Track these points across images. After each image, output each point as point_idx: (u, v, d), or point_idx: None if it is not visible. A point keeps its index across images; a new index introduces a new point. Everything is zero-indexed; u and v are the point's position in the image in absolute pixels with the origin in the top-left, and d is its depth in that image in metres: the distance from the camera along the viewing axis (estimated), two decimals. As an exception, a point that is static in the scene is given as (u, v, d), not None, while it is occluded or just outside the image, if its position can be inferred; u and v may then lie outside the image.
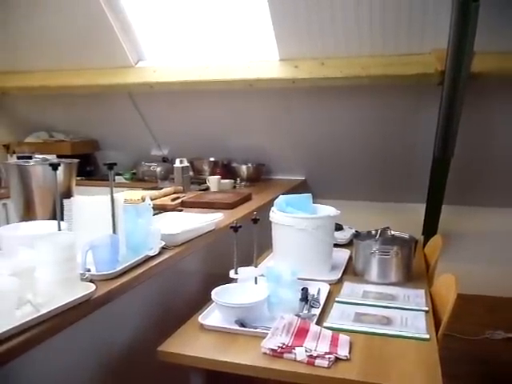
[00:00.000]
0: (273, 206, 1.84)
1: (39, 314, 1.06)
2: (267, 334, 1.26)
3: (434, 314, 1.46)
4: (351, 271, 1.82)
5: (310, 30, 2.62)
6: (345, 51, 2.68)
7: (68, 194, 1.79)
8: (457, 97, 2.43)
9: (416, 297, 1.57)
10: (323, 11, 2.50)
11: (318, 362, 1.15)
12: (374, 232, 1.93)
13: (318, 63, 2.75)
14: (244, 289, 1.49)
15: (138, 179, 3.51)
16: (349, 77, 2.67)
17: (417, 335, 1.29)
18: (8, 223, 1.90)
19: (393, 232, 1.93)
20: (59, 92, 3.39)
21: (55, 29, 3.07)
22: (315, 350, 1.18)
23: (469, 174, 3.04)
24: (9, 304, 1.02)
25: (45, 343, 1.06)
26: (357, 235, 1.95)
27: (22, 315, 1.05)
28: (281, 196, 1.87)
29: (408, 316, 1.41)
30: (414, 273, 1.78)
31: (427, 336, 1.29)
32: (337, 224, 2.00)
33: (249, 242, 1.58)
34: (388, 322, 1.38)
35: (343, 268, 1.82)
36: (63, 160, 1.94)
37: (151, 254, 1.53)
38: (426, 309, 1.47)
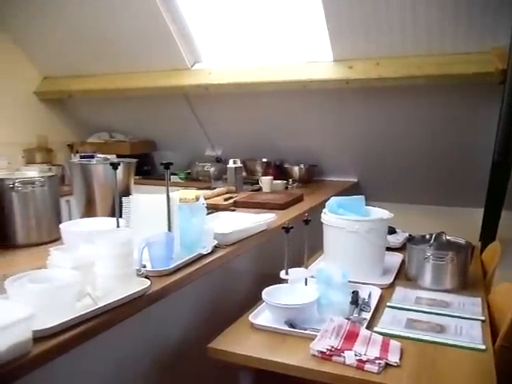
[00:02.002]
0: (324, 207, 1.83)
1: (97, 307, 1.10)
2: (316, 335, 1.26)
3: (491, 324, 1.40)
4: (404, 276, 1.79)
5: (365, 29, 2.59)
6: (400, 51, 2.62)
7: (126, 193, 1.86)
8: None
9: (472, 305, 1.52)
10: (378, 10, 2.46)
11: (367, 366, 1.14)
12: (428, 236, 1.88)
13: (373, 63, 2.70)
14: (294, 290, 1.50)
15: (193, 179, 3.59)
16: (404, 77, 2.61)
17: (472, 345, 1.25)
18: (70, 219, 2.00)
19: (448, 237, 1.87)
20: (119, 94, 3.52)
21: (114, 34, 3.21)
22: (365, 355, 1.17)
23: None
24: (70, 296, 1.07)
25: (101, 336, 1.11)
26: (410, 239, 1.91)
27: (82, 307, 1.09)
28: (333, 198, 1.86)
29: (463, 325, 1.37)
30: (470, 280, 1.72)
31: (483, 347, 1.24)
32: (390, 227, 1.96)
33: (300, 243, 1.58)
34: (441, 329, 1.34)
35: (395, 272, 1.79)
36: (123, 159, 2.02)
37: (204, 252, 1.56)
38: (483, 318, 1.42)
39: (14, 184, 1.69)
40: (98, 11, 3.09)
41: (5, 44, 3.54)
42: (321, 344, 1.21)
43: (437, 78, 2.55)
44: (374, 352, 1.19)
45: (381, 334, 1.30)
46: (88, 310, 1.08)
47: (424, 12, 2.39)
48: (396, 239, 2.12)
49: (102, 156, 2.14)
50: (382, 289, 1.62)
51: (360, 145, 3.24)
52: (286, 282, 1.56)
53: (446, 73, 2.51)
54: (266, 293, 1.43)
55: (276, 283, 1.51)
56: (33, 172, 2.00)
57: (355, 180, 3.48)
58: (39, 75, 3.83)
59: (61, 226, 1.54)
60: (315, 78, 2.85)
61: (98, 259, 1.20)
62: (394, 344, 1.23)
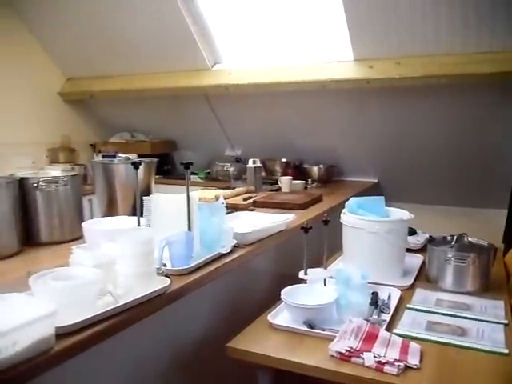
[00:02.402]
0: (344, 207, 1.82)
1: (118, 305, 1.12)
2: (335, 336, 1.25)
3: (515, 327, 1.38)
4: (424, 277, 1.76)
5: (386, 29, 2.56)
6: (422, 50, 2.59)
7: (147, 192, 1.88)
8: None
9: (494, 308, 1.49)
10: (400, 9, 2.44)
11: (386, 368, 1.13)
12: (449, 238, 1.86)
13: (394, 63, 2.68)
14: (313, 290, 1.49)
15: (212, 178, 3.61)
16: (426, 76, 2.58)
17: (494, 349, 1.23)
18: (92, 218, 2.03)
19: (470, 239, 1.84)
20: (140, 95, 3.57)
21: (136, 35, 3.25)
22: (384, 357, 1.16)
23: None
24: (92, 293, 1.09)
25: (121, 333, 1.12)
26: (431, 240, 1.88)
27: (103, 305, 1.11)
28: (352, 198, 1.85)
29: (485, 328, 1.35)
30: (493, 282, 1.69)
31: (506, 351, 1.22)
32: (410, 228, 1.94)
33: (319, 243, 1.58)
34: (462, 332, 1.33)
35: (415, 274, 1.77)
36: (144, 159, 2.04)
37: (223, 251, 1.57)
38: (506, 322, 1.39)
39: (38, 183, 1.73)
40: (119, 13, 3.14)
41: (31, 47, 3.61)
42: (340, 345, 1.21)
43: (459, 77, 2.51)
44: (393, 354, 1.18)
45: (400, 335, 1.29)
46: (109, 308, 1.10)
47: (446, 10, 2.36)
48: (416, 240, 2.10)
49: (124, 156, 2.17)
50: (401, 290, 1.60)
51: (380, 145, 3.21)
52: (305, 283, 1.56)
53: (469, 72, 2.48)
54: (285, 293, 1.44)
55: (295, 283, 1.51)
56: (56, 171, 2.05)
57: (375, 180, 3.46)
58: (63, 76, 3.90)
59: (83, 224, 1.57)
60: (335, 77, 2.84)
61: (120, 258, 1.21)
62: (414, 346, 1.22)
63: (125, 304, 1.13)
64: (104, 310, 1.08)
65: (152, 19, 3.09)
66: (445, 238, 1.87)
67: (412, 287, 1.66)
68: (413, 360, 1.16)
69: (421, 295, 1.60)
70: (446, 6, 2.35)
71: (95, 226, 1.58)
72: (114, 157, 2.29)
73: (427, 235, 2.13)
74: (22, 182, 1.73)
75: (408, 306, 1.51)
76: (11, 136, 3.43)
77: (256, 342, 1.29)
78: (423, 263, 1.87)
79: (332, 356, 1.20)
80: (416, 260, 1.91)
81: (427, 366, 1.15)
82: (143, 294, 1.18)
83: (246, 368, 1.29)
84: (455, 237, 1.84)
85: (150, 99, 3.67)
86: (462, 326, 1.36)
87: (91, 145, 4.03)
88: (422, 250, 2.03)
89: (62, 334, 0.99)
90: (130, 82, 3.54)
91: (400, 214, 1.81)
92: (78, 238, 1.74)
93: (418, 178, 3.25)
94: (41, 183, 1.73)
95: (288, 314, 1.42)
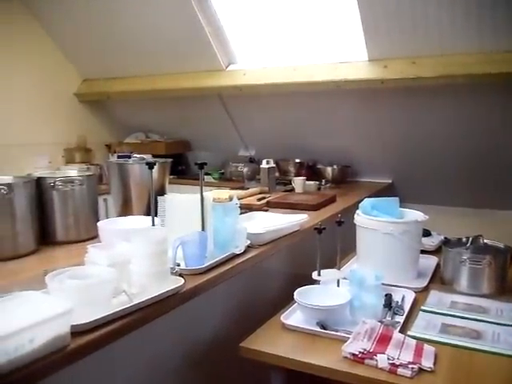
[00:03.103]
0: (357, 208, 1.82)
1: (133, 304, 1.13)
2: (348, 337, 1.25)
3: (531, 330, 1.36)
4: (439, 279, 1.75)
5: (401, 28, 2.54)
6: (437, 49, 2.55)
7: (162, 192, 1.90)
8: None
9: (510, 311, 1.47)
10: (415, 7, 2.41)
11: (400, 370, 1.12)
12: (464, 239, 1.84)
13: (409, 62, 2.65)
14: (326, 291, 1.49)
15: (226, 179, 3.62)
16: (442, 76, 2.55)
17: (510, 353, 1.21)
18: (107, 217, 2.06)
19: (485, 240, 1.82)
20: (154, 95, 3.59)
21: (150, 36, 3.27)
22: (398, 359, 1.16)
23: None
24: (107, 292, 1.10)
25: (135, 332, 1.13)
26: (446, 242, 1.86)
27: (118, 304, 1.12)
28: (366, 199, 1.84)
29: (500, 331, 1.33)
30: (509, 285, 1.66)
31: (522, 354, 1.21)
32: (425, 230, 1.93)
33: (332, 244, 1.58)
34: (478, 336, 1.31)
35: (430, 276, 1.75)
36: (158, 159, 2.06)
37: (237, 251, 1.58)
38: (522, 325, 1.38)
39: (54, 183, 1.75)
40: (134, 14, 3.16)
41: (48, 48, 3.66)
42: (353, 346, 1.21)
43: (477, 76, 2.47)
44: (407, 356, 1.17)
45: (414, 338, 1.28)
46: (124, 307, 1.11)
47: (463, 8, 2.33)
48: (431, 242, 2.08)
49: (139, 156, 2.18)
50: (415, 292, 1.59)
51: (395, 145, 3.18)
52: (318, 283, 1.56)
53: (487, 71, 2.44)
54: (298, 293, 1.44)
55: (308, 284, 1.51)
56: (72, 171, 2.07)
57: (389, 181, 3.43)
58: (79, 77, 3.95)
59: (98, 223, 1.59)
60: (349, 78, 2.82)
61: (134, 257, 1.22)
62: (428, 349, 1.21)
63: (139, 303, 1.14)
64: (118, 309, 1.09)
65: (167, 20, 3.10)
66: (460, 239, 1.86)
67: (426, 289, 1.65)
68: (427, 363, 1.15)
69: (435, 297, 1.59)
70: (462, 5, 2.32)
71: (110, 226, 1.60)
72: (129, 157, 2.30)
73: (442, 237, 2.11)
74: (39, 181, 1.75)
75: (422, 308, 1.49)
76: (29, 137, 3.48)
77: (269, 343, 1.29)
78: (438, 265, 1.85)
79: (345, 357, 1.19)
80: (430, 262, 1.90)
81: (441, 369, 1.14)
82: (157, 294, 1.19)
83: (259, 368, 1.29)
84: (471, 238, 1.82)
85: (164, 100, 3.69)
86: (477, 329, 1.34)
87: (106, 145, 4.08)
88: (436, 251, 2.01)
89: (77, 332, 1.00)
90: (146, 83, 3.56)
91: (414, 215, 1.80)
92: (94, 237, 1.76)
93: (433, 179, 3.22)
94: (57, 183, 1.76)
95: (301, 314, 1.42)
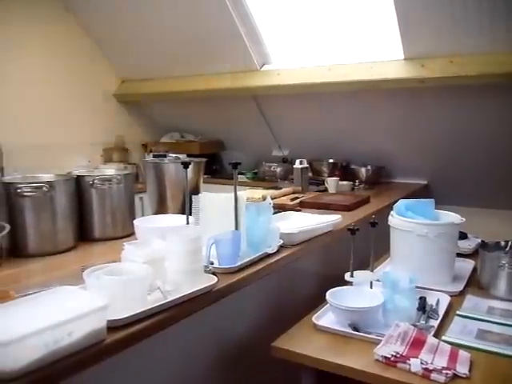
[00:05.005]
0: (392, 210, 1.79)
1: (167, 301, 1.15)
2: (381, 340, 1.24)
3: None
4: (475, 284, 1.71)
5: (438, 26, 2.48)
6: (476, 48, 2.48)
7: (196, 191, 1.92)
8: None
9: (551, 318, 1.43)
10: (453, 4, 2.36)
11: (433, 376, 1.10)
12: (503, 243, 1.79)
13: (447, 61, 2.59)
14: (359, 292, 1.48)
15: (259, 179, 3.63)
16: (481, 75, 2.48)
17: (550, 361, 1.18)
18: (143, 215, 2.10)
19: (525, 244, 1.77)
20: (189, 96, 3.64)
21: (186, 37, 3.31)
22: (431, 364, 1.13)
23: None
24: (142, 289, 1.13)
25: (169, 328, 1.15)
26: (483, 245, 1.82)
27: (152, 300, 1.15)
28: (401, 200, 1.81)
29: (540, 338, 1.29)
30: (551, 291, 1.61)
31: (563, 363, 1.17)
32: (461, 232, 1.88)
33: (365, 245, 1.56)
34: (516, 342, 1.28)
35: (466, 280, 1.71)
36: (193, 159, 2.08)
37: (270, 251, 1.58)
38: None
39: (93, 181, 1.80)
40: (169, 16, 3.21)
41: (90, 50, 3.77)
42: (385, 349, 1.19)
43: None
44: (441, 361, 1.15)
45: (449, 343, 1.25)
46: (158, 304, 1.13)
47: (503, 6, 2.26)
48: (467, 245, 2.03)
49: (174, 155, 2.23)
50: (451, 296, 1.56)
51: (431, 146, 3.12)
52: (351, 285, 1.55)
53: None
54: (331, 294, 1.43)
55: (340, 285, 1.50)
56: (110, 170, 2.12)
57: (425, 182, 3.36)
58: (118, 79, 4.04)
59: (134, 221, 1.63)
60: (385, 77, 2.78)
61: (169, 255, 1.24)
62: (464, 355, 1.19)
63: (173, 300, 1.16)
64: (153, 306, 1.11)
65: (201, 21, 3.14)
66: (498, 243, 1.81)
67: (462, 293, 1.61)
68: (462, 369, 1.12)
69: (471, 302, 1.55)
70: (502, 3, 2.25)
71: (146, 224, 1.63)
72: (165, 156, 2.35)
73: (479, 240, 2.06)
74: (79, 180, 1.81)
75: (458, 312, 1.46)
76: (69, 136, 3.59)
77: (300, 343, 1.29)
78: (474, 269, 1.81)
79: (377, 360, 1.18)
80: (467, 265, 1.85)
81: (476, 376, 1.11)
82: (191, 291, 1.20)
83: (290, 367, 1.30)
84: (509, 242, 1.77)
85: (198, 100, 3.74)
86: (515, 336, 1.31)
87: (143, 145, 4.16)
88: (473, 255, 1.96)
89: (113, 327, 1.02)
90: (181, 84, 3.61)
91: (451, 217, 1.76)
92: (130, 234, 1.80)
93: (470, 180, 3.13)
94: (96, 181, 1.81)
95: (333, 315, 1.41)
